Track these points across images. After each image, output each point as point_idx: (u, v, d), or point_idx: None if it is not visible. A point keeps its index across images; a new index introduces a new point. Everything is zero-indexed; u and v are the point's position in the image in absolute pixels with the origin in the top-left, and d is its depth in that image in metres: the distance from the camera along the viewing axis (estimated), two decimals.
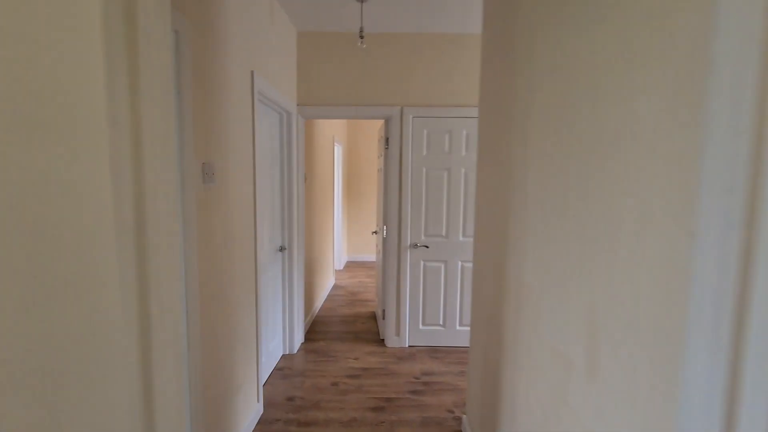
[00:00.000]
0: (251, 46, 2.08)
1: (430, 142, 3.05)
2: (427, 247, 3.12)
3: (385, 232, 3.23)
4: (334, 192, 5.27)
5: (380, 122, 6.26)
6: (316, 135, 3.93)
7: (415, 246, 3.13)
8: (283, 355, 3.06)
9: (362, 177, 6.49)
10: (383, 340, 3.34)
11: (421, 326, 3.23)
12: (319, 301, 4.25)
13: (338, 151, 5.57)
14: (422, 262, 3.16)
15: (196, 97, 1.49)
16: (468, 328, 3.20)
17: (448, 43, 2.96)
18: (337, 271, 5.89)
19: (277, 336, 2.94)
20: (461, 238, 3.12)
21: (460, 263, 3.15)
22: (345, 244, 6.53)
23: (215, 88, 1.65)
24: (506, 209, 1.43)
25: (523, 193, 1.26)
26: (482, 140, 1.80)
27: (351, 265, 6.35)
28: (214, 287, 1.68)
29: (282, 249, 2.91)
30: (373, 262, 6.61)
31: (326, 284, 4.70)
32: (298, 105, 3.02)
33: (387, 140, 3.11)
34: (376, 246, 4.02)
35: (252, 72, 2.08)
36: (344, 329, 3.61)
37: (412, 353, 3.12)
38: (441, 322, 3.22)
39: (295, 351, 3.11)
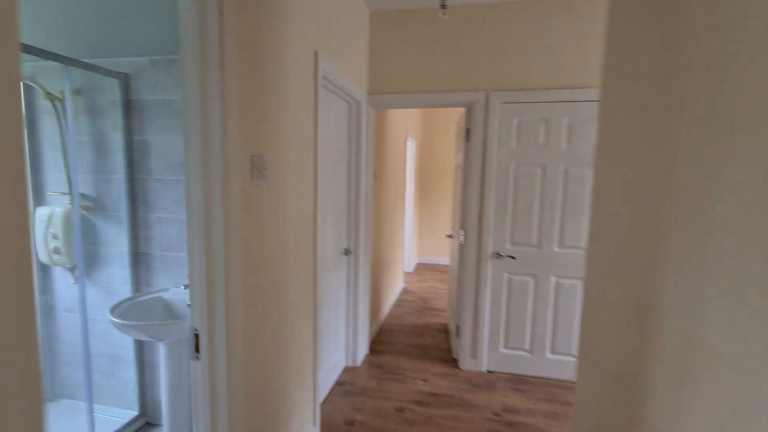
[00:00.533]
0: (316, 22, 1.82)
1: (521, 132, 2.56)
2: (513, 257, 2.64)
3: (462, 237, 2.81)
4: (405, 190, 4.94)
5: (459, 113, 5.79)
6: (387, 128, 3.63)
7: (498, 255, 2.66)
8: (345, 367, 2.81)
9: (436, 174, 6.08)
10: (456, 360, 2.94)
11: (502, 349, 2.76)
12: (387, 306, 3.96)
13: (411, 147, 5.23)
14: (506, 275, 2.68)
15: (244, 77, 1.24)
16: (562, 357, 2.65)
17: (548, 10, 2.44)
18: (406, 274, 5.58)
19: (340, 346, 2.70)
20: (557, 249, 2.58)
21: (554, 279, 2.61)
22: (415, 245, 6.19)
23: (269, 67, 1.41)
24: (661, 226, 0.95)
25: (706, 206, 0.79)
26: (610, 128, 1.31)
27: (421, 268, 5.99)
28: (263, 297, 1.45)
29: (347, 252, 2.65)
30: (446, 265, 6.17)
31: (394, 288, 4.40)
32: (368, 93, 2.73)
33: (468, 132, 2.69)
34: (451, 251, 3.60)
35: (316, 52, 1.82)
36: (412, 342, 3.27)
37: (490, 381, 2.66)
38: (527, 347, 2.72)
39: (359, 363, 2.84)
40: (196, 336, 1.22)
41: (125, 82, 1.91)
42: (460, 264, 2.86)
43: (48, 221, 1.96)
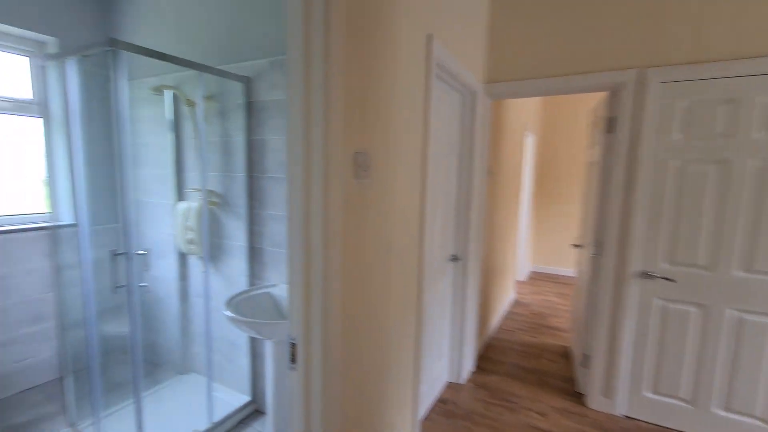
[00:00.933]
0: (430, 1, 1.63)
1: (690, 120, 1.97)
2: (671, 280, 2.06)
3: (595, 249, 2.33)
4: (521, 190, 4.45)
5: (594, 100, 5.02)
6: (503, 122, 3.26)
7: (647, 275, 2.12)
8: (448, 383, 2.59)
9: (558, 172, 5.37)
10: (582, 395, 2.46)
11: (647, 393, 2.20)
12: (495, 319, 3.60)
13: (530, 142, 4.69)
14: (658, 301, 2.12)
15: (350, 65, 1.12)
16: (741, 418, 1.99)
17: None
18: (518, 283, 5.06)
19: (443, 359, 2.48)
20: (740, 274, 1.93)
21: (733, 313, 1.96)
22: (530, 251, 5.58)
23: (378, 53, 1.26)
24: None
25: None
26: None
27: (537, 278, 5.37)
28: (363, 305, 1.32)
29: (455, 258, 2.42)
30: (566, 276, 5.43)
31: (505, 299, 3.99)
32: (484, 83, 2.44)
33: (610, 121, 2.19)
34: (578, 264, 3.07)
35: (429, 36, 1.63)
36: (525, 364, 2.87)
37: (628, 430, 2.14)
38: (686, 396, 2.11)
39: (463, 380, 2.59)
40: (293, 345, 1.15)
41: (248, 85, 2.00)
42: (592, 281, 2.37)
43: (185, 215, 2.18)
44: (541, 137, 5.42)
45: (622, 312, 2.19)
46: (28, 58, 2.32)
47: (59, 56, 1.69)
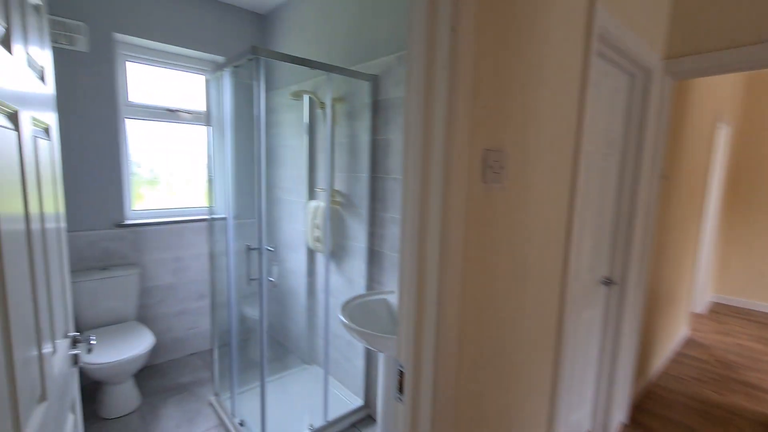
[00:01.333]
0: None
1: None
2: None
3: None
4: (707, 199, 3.44)
5: None
6: (686, 108, 2.52)
7: None
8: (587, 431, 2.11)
9: (762, 176, 4.02)
10: None
11: None
12: (659, 361, 2.84)
13: (723, 136, 3.60)
14: None
15: (483, 35, 0.90)
16: None
17: None
18: (694, 316, 3.97)
19: (585, 407, 2.03)
20: None
21: None
22: (712, 276, 4.33)
23: (519, 24, 1.01)
24: None
25: None
26: None
27: (721, 311, 4.13)
28: (484, 336, 1.09)
29: (608, 282, 1.94)
30: (764, 313, 4.03)
31: (674, 336, 3.14)
32: (665, 59, 1.88)
33: None
34: None
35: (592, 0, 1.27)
36: (703, 429, 2.16)
37: None
38: None
39: None
40: (401, 374, 1.00)
41: (374, 83, 1.95)
42: None
43: (314, 213, 2.26)
44: (739, 128, 4.13)
45: None
46: (203, 76, 2.75)
47: (218, 69, 1.91)
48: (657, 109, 1.89)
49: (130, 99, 2.46)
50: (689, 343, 3.32)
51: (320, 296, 2.49)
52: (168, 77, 2.63)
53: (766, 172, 4.01)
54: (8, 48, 0.68)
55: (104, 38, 2.26)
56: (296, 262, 2.67)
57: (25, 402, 0.65)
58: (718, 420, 2.25)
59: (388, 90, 1.89)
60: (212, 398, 2.24)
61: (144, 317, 2.56)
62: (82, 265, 2.29)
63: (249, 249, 1.91)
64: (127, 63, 2.44)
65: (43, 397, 0.78)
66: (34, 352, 0.74)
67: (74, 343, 1.14)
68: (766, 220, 4.04)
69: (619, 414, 2.12)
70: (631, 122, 1.85)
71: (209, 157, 2.25)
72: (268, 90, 2.80)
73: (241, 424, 1.97)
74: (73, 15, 2.14)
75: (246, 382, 2.31)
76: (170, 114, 2.63)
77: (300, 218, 2.57)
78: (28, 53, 0.82)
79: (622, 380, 2.08)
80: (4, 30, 0.67)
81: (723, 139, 3.66)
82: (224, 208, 2.09)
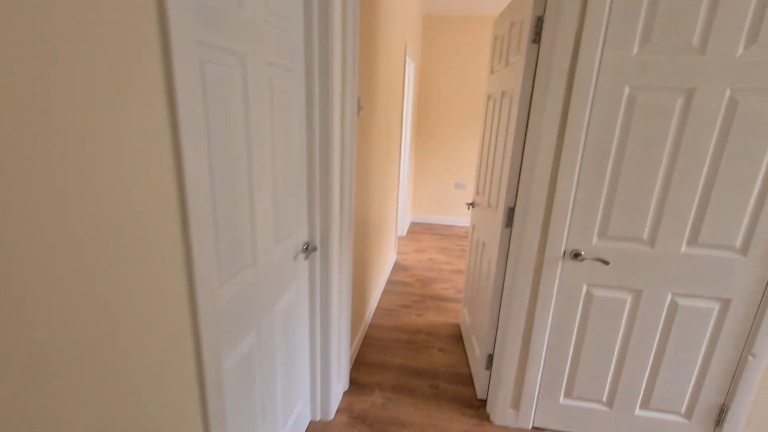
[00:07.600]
0: None
1: (659, 22, 1.27)
2: (604, 261, 1.49)
3: (506, 217, 1.64)
4: (403, 128, 3.63)
5: (490, 14, 4.32)
6: (378, 37, 2.24)
7: (576, 257, 1.51)
8: (311, 422, 1.76)
9: (438, 109, 4.71)
10: (483, 402, 1.92)
11: (563, 399, 1.73)
12: (375, 296, 2.87)
13: (410, 71, 3.81)
14: (587, 288, 1.56)
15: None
16: (660, 416, 1.65)
17: None
18: (399, 239, 4.46)
19: (303, 396, 1.61)
20: (683, 249, 1.44)
21: (668, 296, 1.50)
22: (410, 200, 5.00)
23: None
24: None
25: None
26: None
27: (417, 230, 4.85)
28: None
29: (307, 249, 1.45)
30: (448, 227, 5.05)
31: (385, 266, 3.28)
32: None
33: (537, 25, 1.39)
34: (472, 223, 2.44)
35: None
36: (413, 363, 2.22)
37: None
38: (604, 398, 1.69)
39: (331, 416, 1.79)
40: None
41: None
42: (500, 259, 1.71)
43: None
44: (421, 67, 4.61)
45: (541, 304, 1.59)
46: None
47: None
48: (350, 15, 1.37)
49: None
50: (396, 267, 3.62)
51: None
52: None
53: (441, 109, 4.70)
54: None
55: None
56: None
57: None
58: (422, 347, 2.38)
59: None
60: None
61: None
62: None
63: None
64: None
65: None
66: None
67: None
68: (443, 149, 4.85)
69: (338, 390, 1.85)
70: (311, 29, 1.26)
71: None
72: None
73: None
74: None
75: None
76: None
77: None
78: None
79: (339, 357, 1.77)
80: None
81: (412, 74, 3.90)
82: None
